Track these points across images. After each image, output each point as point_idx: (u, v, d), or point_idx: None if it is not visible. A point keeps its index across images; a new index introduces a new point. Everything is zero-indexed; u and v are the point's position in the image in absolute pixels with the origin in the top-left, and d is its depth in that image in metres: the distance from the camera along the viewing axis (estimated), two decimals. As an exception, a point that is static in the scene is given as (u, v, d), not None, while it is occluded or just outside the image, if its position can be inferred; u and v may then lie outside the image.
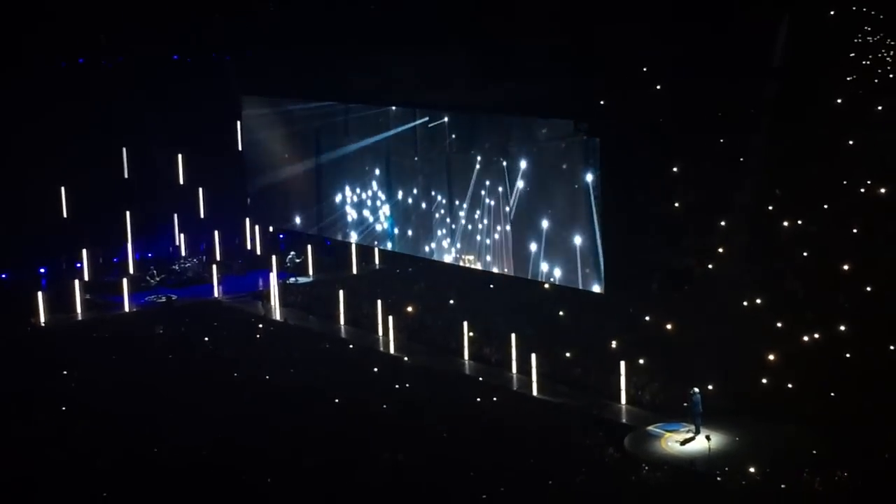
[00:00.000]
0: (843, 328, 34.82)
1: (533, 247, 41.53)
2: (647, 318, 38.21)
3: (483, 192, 43.56)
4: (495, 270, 43.56)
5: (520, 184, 41.93)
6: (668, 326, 37.45)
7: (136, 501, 30.39)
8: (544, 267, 41.26)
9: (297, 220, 52.17)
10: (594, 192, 38.97)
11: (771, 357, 35.46)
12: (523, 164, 41.77)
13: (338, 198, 50.00)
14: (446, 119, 44.79)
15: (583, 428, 34.40)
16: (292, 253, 53.15)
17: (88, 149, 50.53)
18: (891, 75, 34.75)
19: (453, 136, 44.61)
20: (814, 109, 35.62)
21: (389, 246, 48.87)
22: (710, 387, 34.76)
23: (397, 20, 46.47)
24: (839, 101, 35.37)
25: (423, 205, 46.12)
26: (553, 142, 41.06)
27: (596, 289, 39.34)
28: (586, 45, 39.78)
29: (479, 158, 43.47)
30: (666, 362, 36.85)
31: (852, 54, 35.26)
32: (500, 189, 42.62)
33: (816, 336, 35.24)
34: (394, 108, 46.81)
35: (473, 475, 30.76)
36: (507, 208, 42.65)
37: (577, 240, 39.71)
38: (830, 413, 33.21)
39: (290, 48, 50.05)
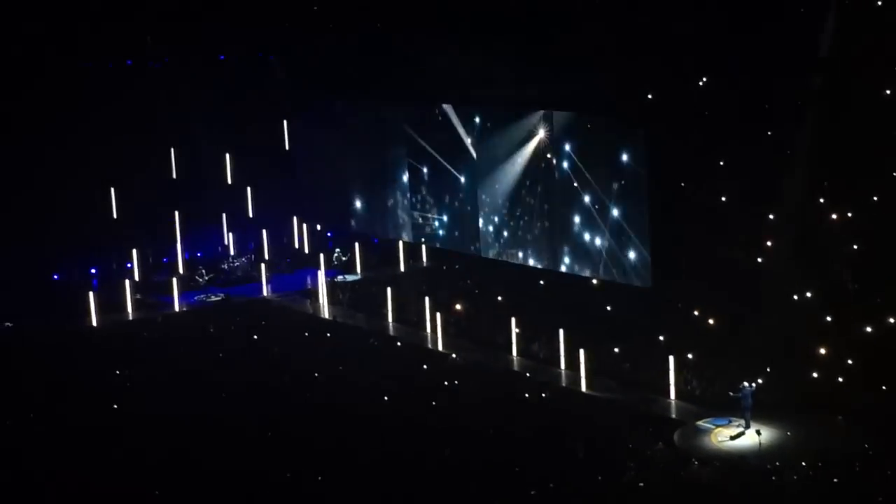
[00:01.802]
0: (893, 321, 34.49)
1: (573, 242, 41.65)
2: (696, 313, 38.00)
3: (524, 190, 43.67)
4: (538, 266, 43.67)
5: (565, 178, 41.92)
6: (717, 321, 37.22)
7: (189, 497, 30.59)
8: (586, 263, 41.43)
9: (350, 219, 52.49)
10: (638, 184, 39.01)
11: (821, 351, 35.19)
12: (567, 159, 41.77)
13: (389, 200, 50.26)
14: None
15: (632, 424, 34.29)
16: (338, 250, 53.33)
17: (137, 150, 50.90)
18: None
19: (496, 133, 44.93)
20: (862, 100, 35.27)
21: (437, 245, 49.07)
22: (759, 381, 34.53)
23: (441, 16, 46.46)
24: (888, 91, 35.02)
25: (469, 206, 46.26)
26: (598, 135, 41.01)
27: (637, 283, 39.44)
28: (632, 36, 39.62)
29: (524, 155, 43.56)
30: (715, 356, 36.65)
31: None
32: (542, 186, 42.75)
33: (867, 329, 34.93)
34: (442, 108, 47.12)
35: (521, 470, 30.72)
36: (546, 205, 42.76)
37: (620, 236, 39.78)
38: (881, 407, 32.92)
39: (334, 46, 50.24)
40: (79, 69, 49.67)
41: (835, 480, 29.50)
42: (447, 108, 46.72)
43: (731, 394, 34.13)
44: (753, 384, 33.88)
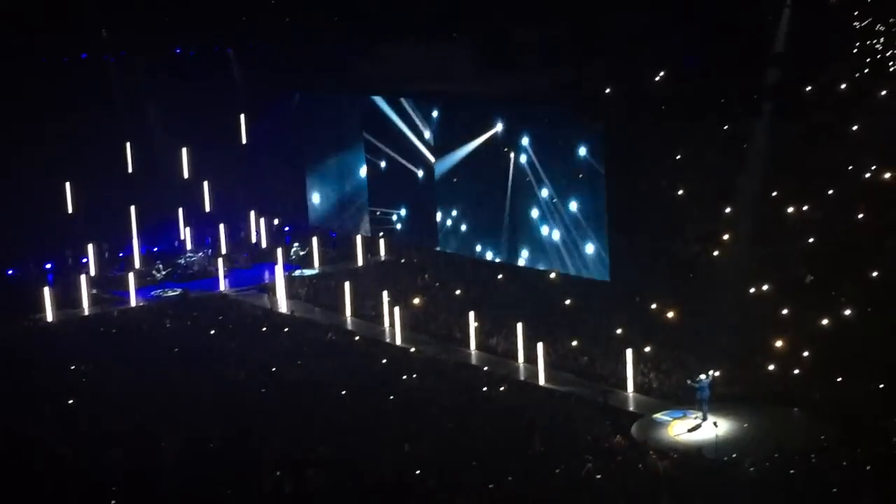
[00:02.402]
0: (849, 313, 34.80)
1: (531, 236, 41.74)
2: (653, 306, 38.17)
3: (482, 184, 43.73)
4: (497, 260, 43.78)
5: (522, 172, 42.00)
6: (675, 314, 37.41)
7: (144, 495, 30.36)
8: (544, 257, 41.53)
9: (308, 213, 52.42)
10: (596, 179, 39.15)
11: (778, 343, 35.45)
12: (524, 153, 41.86)
13: (347, 195, 50.25)
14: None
15: (590, 417, 34.41)
16: (296, 245, 53.20)
17: (93, 144, 50.49)
18: (890, 61, 34.83)
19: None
20: (817, 94, 35.59)
21: (396, 239, 49.13)
22: (716, 374, 34.73)
23: (400, 11, 46.43)
24: (843, 86, 35.33)
25: (427, 200, 46.27)
26: (556, 130, 41.10)
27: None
28: (590, 32, 39.75)
29: (481, 149, 43.62)
30: (672, 349, 36.84)
31: (855, 39, 35.25)
32: (499, 180, 42.81)
33: (823, 322, 35.22)
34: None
35: (479, 465, 30.72)
36: (504, 199, 42.86)
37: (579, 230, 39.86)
38: (837, 398, 33.21)
39: (291, 40, 50.10)
40: (33, 63, 49.20)
41: (791, 472, 29.69)
42: (377, 99, 47.04)
43: (688, 381, 34.25)
44: (709, 376, 34.01)
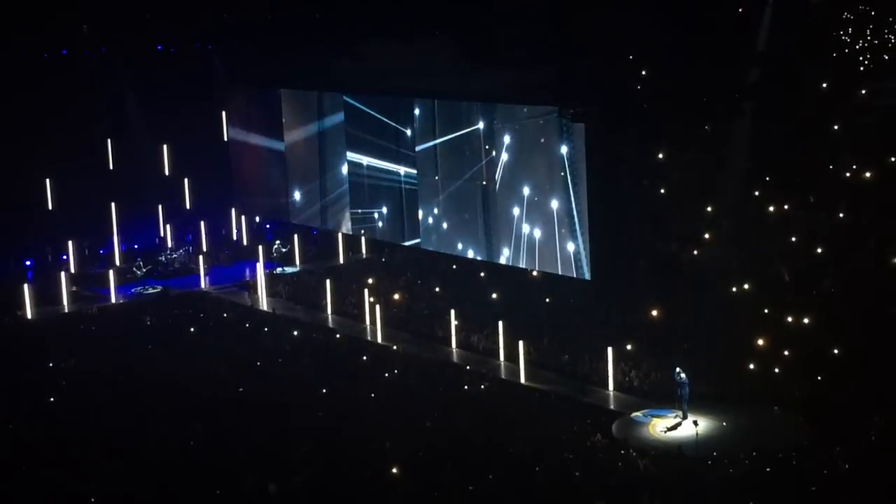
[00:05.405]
0: (829, 313, 34.86)
1: (512, 234, 41.74)
2: (635, 304, 38.18)
3: (463, 182, 43.71)
4: (478, 258, 43.76)
5: (503, 170, 42.00)
6: (655, 312, 37.43)
7: (125, 494, 30.26)
8: (525, 255, 41.54)
9: (289, 211, 52.32)
10: (571, 176, 39.18)
11: (758, 342, 35.50)
12: (506, 152, 41.84)
13: (328, 192, 50.15)
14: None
15: (570, 415, 34.40)
16: (278, 242, 53.10)
17: (73, 140, 50.35)
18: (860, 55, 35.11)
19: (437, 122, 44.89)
20: (798, 94, 35.68)
21: (377, 237, 49.06)
22: (696, 372, 34.73)
23: (382, 8, 46.39)
24: (824, 85, 35.43)
25: (408, 198, 46.25)
26: (537, 128, 41.08)
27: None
28: (571, 30, 39.77)
29: (463, 147, 43.57)
30: (653, 348, 36.86)
31: (837, 35, 35.43)
32: (481, 178, 42.81)
33: (803, 321, 35.29)
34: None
35: (460, 463, 30.70)
36: (485, 197, 42.86)
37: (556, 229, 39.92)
38: (817, 397, 33.28)
39: (273, 37, 50.01)
40: (13, 58, 49.00)
41: (770, 470, 29.75)
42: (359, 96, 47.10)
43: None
44: (685, 374, 33.94)
